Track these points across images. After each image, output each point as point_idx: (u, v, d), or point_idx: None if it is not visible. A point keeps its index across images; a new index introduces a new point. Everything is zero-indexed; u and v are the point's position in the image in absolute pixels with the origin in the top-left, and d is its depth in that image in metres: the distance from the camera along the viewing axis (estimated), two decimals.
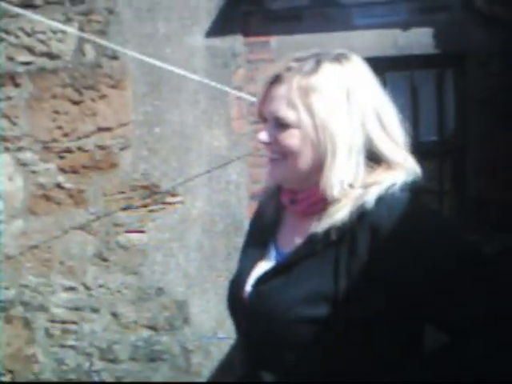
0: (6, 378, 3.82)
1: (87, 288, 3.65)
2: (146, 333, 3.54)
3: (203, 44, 3.43)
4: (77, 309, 3.68)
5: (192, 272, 3.47)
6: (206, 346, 3.40)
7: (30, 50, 3.69)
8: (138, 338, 3.55)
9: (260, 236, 1.46)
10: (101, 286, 3.63)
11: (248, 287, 1.38)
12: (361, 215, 1.24)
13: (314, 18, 3.25)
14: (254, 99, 3.15)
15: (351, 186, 1.27)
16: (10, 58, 3.74)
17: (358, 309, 1.21)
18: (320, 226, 1.27)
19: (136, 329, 3.55)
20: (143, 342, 3.54)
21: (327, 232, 1.26)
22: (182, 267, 3.49)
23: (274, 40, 3.33)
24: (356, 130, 1.27)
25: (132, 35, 3.51)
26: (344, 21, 3.18)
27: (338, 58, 1.30)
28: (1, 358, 3.83)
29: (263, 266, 1.38)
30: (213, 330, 3.37)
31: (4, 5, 3.40)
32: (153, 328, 3.52)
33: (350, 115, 1.27)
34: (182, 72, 3.25)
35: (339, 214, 1.26)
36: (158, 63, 3.28)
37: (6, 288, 3.84)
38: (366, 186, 1.27)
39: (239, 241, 3.37)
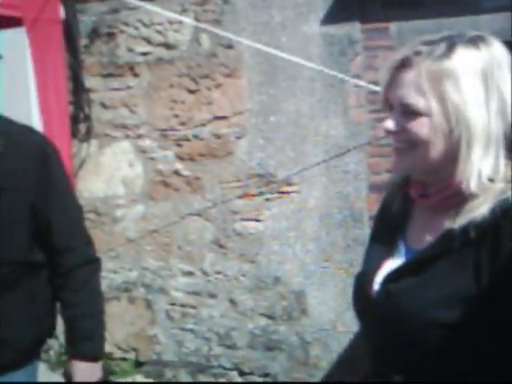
0: (131, 355, 4.01)
1: (205, 274, 3.74)
2: (263, 321, 3.59)
3: (319, 32, 3.35)
4: (195, 293, 3.78)
5: (309, 263, 3.46)
6: (324, 339, 3.41)
7: (148, 40, 3.75)
8: (256, 326, 3.61)
9: (387, 230, 1.38)
10: (218, 273, 3.70)
11: (376, 285, 1.31)
12: (504, 212, 1.15)
13: (436, 2, 3.08)
14: (373, 87, 3.05)
15: (491, 180, 1.18)
16: (130, 49, 3.83)
17: (500, 312, 1.14)
18: (457, 222, 1.19)
19: (253, 317, 3.61)
20: (261, 331, 3.60)
21: (465, 229, 1.18)
22: (298, 257, 3.49)
23: (394, 26, 3.19)
24: (494, 118, 1.18)
25: (247, 24, 3.48)
26: (471, 3, 2.99)
27: (474, 41, 1.20)
28: (125, 336, 4.03)
29: (392, 263, 1.32)
30: (331, 323, 3.37)
31: None
32: (270, 317, 3.57)
33: (488, 102, 1.18)
34: (297, 60, 3.20)
35: (479, 209, 1.17)
36: (273, 51, 3.24)
37: (129, 270, 4.00)
38: (508, 181, 1.18)
39: (358, 233, 3.32)
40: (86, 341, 1.93)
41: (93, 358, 1.94)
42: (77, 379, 1.91)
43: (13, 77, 3.36)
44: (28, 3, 2.61)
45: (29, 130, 1.93)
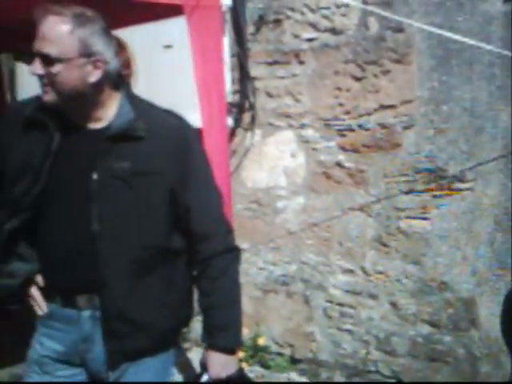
0: (286, 351, 3.92)
1: (365, 273, 3.53)
2: (426, 329, 3.30)
3: (501, 10, 2.97)
4: (354, 293, 3.58)
5: (481, 268, 3.11)
6: (496, 354, 3.04)
7: (314, 26, 3.60)
8: (418, 333, 3.33)
9: None
10: (380, 273, 3.47)
11: None
12: None
13: None
14: None
15: None
16: (295, 36, 3.71)
17: None
18: None
19: (416, 323, 3.32)
20: (423, 339, 3.31)
21: None
22: (469, 261, 3.15)
23: None
24: None
25: (418, 5, 3.19)
26: None
27: None
28: (282, 331, 3.94)
29: None
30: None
31: None
32: (434, 325, 3.26)
33: None
34: (474, 43, 2.86)
35: None
36: (447, 34, 2.93)
37: (288, 263, 3.91)
38: None
39: None
40: (222, 332, 1.87)
41: (228, 351, 1.87)
42: (211, 370, 1.86)
43: (179, 65, 3.40)
44: None
45: (170, 114, 1.88)
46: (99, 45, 1.71)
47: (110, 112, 1.80)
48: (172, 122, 1.85)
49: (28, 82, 2.00)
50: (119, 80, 1.85)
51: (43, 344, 1.90)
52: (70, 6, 1.70)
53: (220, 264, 1.86)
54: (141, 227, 1.78)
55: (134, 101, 1.84)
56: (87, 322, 1.82)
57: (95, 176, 1.75)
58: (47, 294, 1.87)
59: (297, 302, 3.87)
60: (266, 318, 4.00)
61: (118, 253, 1.76)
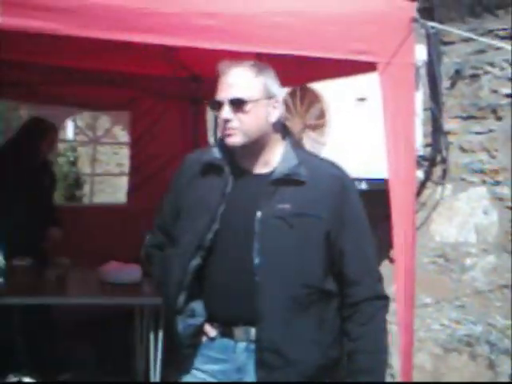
0: None
1: None
2: None
3: None
4: None
5: None
6: None
7: None
8: None
9: None
10: None
11: None
12: None
13: None
14: None
15: None
16: (493, 91, 3.63)
17: None
18: None
19: None
20: None
21: None
22: None
23: None
24: None
25: None
26: None
27: None
28: None
29: None
30: None
31: (483, 40, 3.31)
32: None
33: None
34: None
35: None
36: None
37: (473, 323, 3.76)
38: None
39: None
40: (367, 376, 1.90)
41: None
42: None
43: (371, 118, 3.50)
44: (381, 48, 2.68)
45: (330, 164, 2.04)
46: (275, 87, 1.98)
47: (275, 158, 1.99)
48: (332, 170, 2.00)
49: None
50: (284, 129, 2.05)
51: (195, 375, 2.01)
52: (246, 60, 1.98)
53: (368, 310, 1.93)
54: (299, 266, 1.90)
55: (297, 149, 2.02)
56: (242, 354, 1.93)
57: (259, 215, 1.91)
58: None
59: (480, 365, 3.69)
60: (445, 376, 3.86)
61: (276, 288, 1.88)
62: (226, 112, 1.92)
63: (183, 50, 3.95)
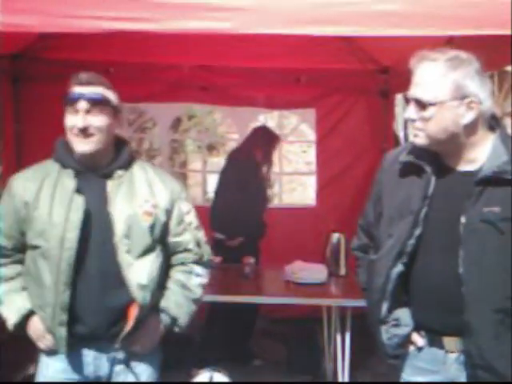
0: None
1: None
2: None
3: None
4: None
5: None
6: None
7: None
8: None
9: None
10: None
11: None
12: None
13: None
14: None
15: None
16: None
17: None
18: None
19: None
20: None
21: None
22: None
23: None
24: None
25: None
26: None
27: None
28: None
29: None
30: None
31: None
32: None
33: None
34: None
35: None
36: None
37: None
38: None
39: None
40: None
41: None
42: None
43: None
44: None
45: None
46: (472, 86, 1.72)
47: (483, 154, 1.78)
48: None
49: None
50: (494, 121, 1.82)
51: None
52: (447, 50, 1.74)
53: None
54: (506, 276, 1.72)
55: (509, 143, 1.78)
56: (453, 365, 1.83)
57: (463, 219, 1.74)
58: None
59: None
60: None
61: (483, 299, 1.74)
62: (410, 111, 1.78)
63: (368, 40, 3.82)
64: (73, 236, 1.98)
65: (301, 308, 4.22)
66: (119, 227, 2.01)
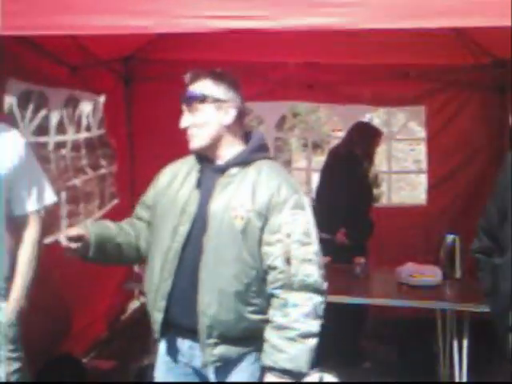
0: None
1: None
2: None
3: None
4: None
5: None
6: None
7: None
8: None
9: None
10: None
11: None
12: None
13: None
14: None
15: None
16: None
17: None
18: None
19: None
20: None
21: None
22: None
23: None
24: None
25: None
26: None
27: None
28: None
29: None
30: None
31: None
32: None
33: None
34: None
35: None
36: None
37: None
38: None
39: None
40: None
41: None
42: None
43: None
44: None
45: None
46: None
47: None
48: None
49: None
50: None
51: None
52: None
53: None
54: None
55: None
56: None
57: None
58: None
59: None
60: None
61: None
62: None
63: (481, 32, 3.60)
64: (184, 229, 2.03)
65: (412, 310, 4.09)
66: (211, 225, 1.99)
